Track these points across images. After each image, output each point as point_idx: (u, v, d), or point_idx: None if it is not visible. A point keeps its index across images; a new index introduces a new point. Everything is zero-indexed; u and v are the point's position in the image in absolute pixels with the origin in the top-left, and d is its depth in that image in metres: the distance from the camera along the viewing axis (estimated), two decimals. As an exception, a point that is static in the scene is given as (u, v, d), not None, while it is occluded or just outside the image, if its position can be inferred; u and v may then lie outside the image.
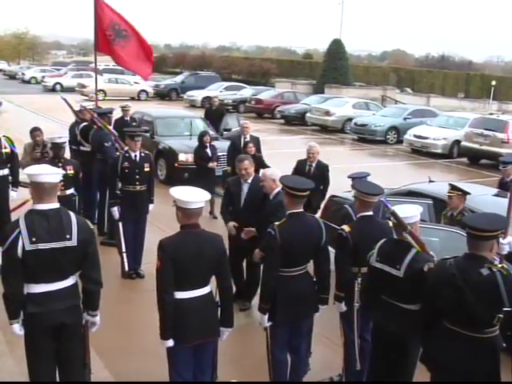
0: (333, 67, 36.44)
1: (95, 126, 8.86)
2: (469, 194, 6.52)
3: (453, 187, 6.56)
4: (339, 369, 5.14)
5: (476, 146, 18.17)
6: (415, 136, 19.98)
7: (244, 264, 6.70)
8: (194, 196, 4.05)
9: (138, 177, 7.35)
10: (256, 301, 5.39)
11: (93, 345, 4.35)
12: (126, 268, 7.27)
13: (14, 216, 7.27)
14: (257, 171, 6.97)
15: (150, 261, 6.65)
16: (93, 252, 3.97)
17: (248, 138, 10.18)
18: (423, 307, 4.01)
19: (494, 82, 37.18)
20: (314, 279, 4.74)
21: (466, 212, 6.31)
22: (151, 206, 7.61)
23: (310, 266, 4.75)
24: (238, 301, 6.38)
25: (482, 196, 7.29)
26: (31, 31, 75.48)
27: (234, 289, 5.70)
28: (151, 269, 5.23)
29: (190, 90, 32.94)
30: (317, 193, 7.81)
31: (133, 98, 32.54)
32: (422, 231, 4.45)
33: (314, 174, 8.14)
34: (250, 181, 6.51)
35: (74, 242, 3.80)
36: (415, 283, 4.00)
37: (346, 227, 4.76)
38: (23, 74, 48.39)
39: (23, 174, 4.65)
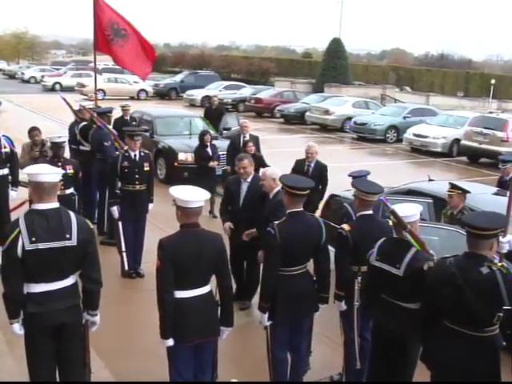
0: (332, 66, 36.45)
1: (95, 126, 8.85)
2: (469, 192, 6.52)
3: (453, 186, 6.56)
4: (339, 368, 5.14)
5: (475, 144, 18.18)
6: (415, 135, 19.98)
7: (244, 263, 6.70)
8: (194, 195, 4.05)
9: (137, 176, 7.34)
10: (256, 300, 5.38)
11: (93, 344, 4.35)
12: (126, 267, 7.26)
13: (13, 216, 7.27)
14: (257, 170, 6.97)
15: (149, 260, 6.65)
16: (93, 251, 3.96)
17: (247, 137, 10.18)
18: (423, 306, 4.01)
19: (493, 81, 37.20)
20: (314, 278, 4.74)
21: (465, 211, 6.31)
22: (151, 206, 7.60)
23: (310, 265, 4.75)
24: (238, 300, 6.38)
25: (482, 195, 7.29)
26: (31, 31, 75.46)
27: (234, 288, 5.70)
28: (151, 268, 5.23)
29: (190, 89, 32.92)
30: (315, 193, 7.80)
31: (132, 98, 32.51)
32: (421, 230, 4.45)
33: (312, 173, 8.07)
34: (249, 180, 6.52)
35: (73, 242, 3.80)
36: (415, 282, 4.00)
37: (345, 226, 4.76)
38: (23, 73, 48.35)
39: (23, 174, 4.65)
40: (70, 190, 7.33)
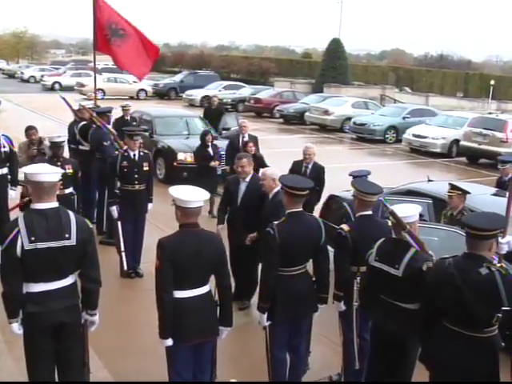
0: (332, 66, 36.45)
1: (94, 125, 8.85)
2: (469, 193, 6.52)
3: (453, 187, 6.56)
4: (338, 368, 5.14)
5: (475, 145, 18.18)
6: (414, 135, 19.98)
7: (243, 263, 6.70)
8: (193, 195, 4.05)
9: (136, 176, 7.34)
10: (255, 300, 5.39)
11: (92, 344, 4.35)
12: (125, 267, 7.26)
13: (12, 215, 7.27)
14: (257, 171, 6.98)
15: (148, 260, 6.65)
16: (92, 251, 3.96)
17: (246, 137, 10.19)
18: (422, 306, 4.01)
19: (492, 82, 37.20)
20: (313, 278, 4.74)
21: (465, 211, 6.31)
22: (150, 205, 7.60)
23: (310, 266, 4.75)
24: (237, 300, 6.38)
25: (481, 195, 7.29)
26: (30, 30, 75.41)
27: (233, 288, 5.70)
28: (150, 268, 5.24)
29: (189, 89, 32.91)
30: (312, 194, 7.78)
31: (132, 97, 32.50)
32: (421, 231, 4.46)
33: (309, 175, 7.98)
34: (247, 179, 6.53)
35: (73, 242, 3.80)
36: (414, 282, 4.00)
37: (345, 226, 4.76)
38: (22, 72, 48.32)
39: (22, 173, 4.65)
40: (70, 190, 7.33)
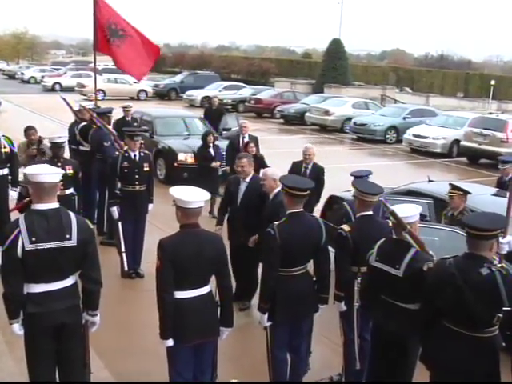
0: (332, 67, 36.46)
1: (94, 126, 8.85)
2: (470, 193, 6.52)
3: (454, 187, 6.56)
4: (339, 368, 5.14)
5: (475, 145, 18.18)
6: (414, 135, 19.99)
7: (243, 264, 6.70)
8: (194, 196, 4.05)
9: (137, 176, 7.35)
10: (256, 300, 5.39)
11: (93, 345, 4.35)
12: (126, 268, 7.26)
13: (13, 216, 7.27)
14: (257, 171, 6.98)
15: (149, 260, 6.65)
16: (92, 252, 3.97)
17: (247, 138, 10.19)
18: (423, 307, 4.01)
19: (493, 82, 37.17)
20: (314, 279, 4.74)
21: (466, 212, 6.30)
22: (151, 206, 7.61)
23: (310, 266, 4.75)
24: (238, 300, 6.38)
25: (482, 195, 7.29)
26: (30, 31, 75.47)
27: (234, 288, 5.70)
28: (151, 268, 5.24)
29: (190, 89, 32.92)
30: (312, 194, 7.75)
31: (132, 98, 32.51)
32: (421, 231, 4.46)
33: (309, 176, 7.91)
34: (248, 180, 6.54)
35: (73, 242, 3.80)
36: (415, 283, 4.00)
37: (345, 227, 4.76)
38: (22, 73, 48.33)
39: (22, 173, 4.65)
40: (70, 191, 7.33)
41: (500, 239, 3.73)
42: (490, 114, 21.93)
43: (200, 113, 16.78)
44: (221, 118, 15.11)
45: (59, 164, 6.91)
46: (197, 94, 31.54)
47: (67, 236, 3.78)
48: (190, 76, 37.81)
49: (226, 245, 4.52)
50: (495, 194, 7.64)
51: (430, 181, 8.14)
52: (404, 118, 22.41)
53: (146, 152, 7.74)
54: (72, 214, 3.91)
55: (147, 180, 7.51)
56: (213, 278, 4.21)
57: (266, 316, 4.56)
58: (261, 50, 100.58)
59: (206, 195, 4.14)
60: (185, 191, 4.08)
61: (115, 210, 7.36)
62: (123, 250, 7.22)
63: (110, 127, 8.91)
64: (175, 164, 12.33)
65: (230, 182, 6.83)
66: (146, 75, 11.74)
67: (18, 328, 3.84)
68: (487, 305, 3.57)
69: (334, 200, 8.03)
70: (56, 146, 7.26)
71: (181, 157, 12.33)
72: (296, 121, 26.05)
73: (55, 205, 3.85)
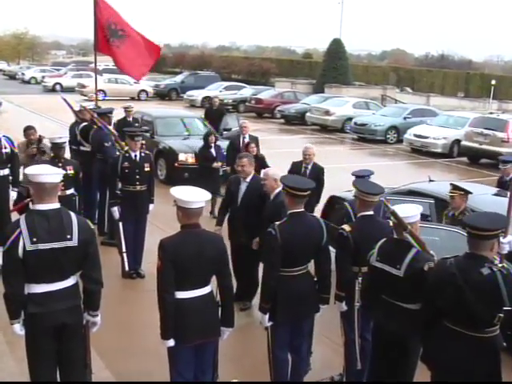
0: (332, 67, 36.45)
1: (95, 126, 8.86)
2: (471, 193, 6.51)
3: (455, 187, 6.55)
4: (340, 368, 5.14)
5: (476, 145, 18.18)
6: (415, 135, 19.98)
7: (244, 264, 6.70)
8: (195, 196, 4.05)
9: (138, 177, 7.35)
10: (256, 300, 5.39)
11: (93, 345, 4.36)
12: (127, 268, 7.27)
13: (14, 216, 7.28)
14: (258, 171, 6.98)
15: (150, 261, 6.65)
16: (93, 252, 3.97)
17: (247, 138, 10.20)
18: (423, 307, 4.01)
19: (493, 82, 37.18)
20: (315, 279, 4.74)
21: (467, 212, 6.30)
22: (151, 206, 7.61)
23: (311, 266, 4.75)
24: (239, 301, 6.38)
25: (483, 195, 7.29)
26: (31, 31, 75.55)
27: (235, 288, 5.71)
28: (151, 269, 5.24)
29: (190, 89, 32.93)
30: (312, 195, 7.73)
31: (133, 98, 32.51)
32: (422, 231, 4.46)
33: (309, 175, 7.88)
34: (248, 180, 6.55)
35: (74, 242, 3.80)
36: (415, 283, 4.00)
37: (346, 227, 4.76)
38: (23, 74, 48.35)
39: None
40: (71, 191, 7.33)
41: (501, 239, 3.73)
42: (491, 113, 21.91)
43: (201, 113, 16.77)
44: (221, 118, 15.10)
45: (60, 164, 6.91)
46: (197, 95, 31.56)
47: (68, 236, 3.79)
48: (191, 76, 37.81)
49: (227, 245, 4.53)
50: (496, 194, 7.63)
51: (430, 181, 8.13)
52: (405, 118, 22.41)
53: (147, 152, 7.74)
54: (73, 215, 3.91)
55: (148, 180, 7.51)
56: (213, 278, 4.21)
57: (267, 316, 4.56)
58: (261, 50, 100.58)
59: (207, 195, 4.14)
60: (185, 191, 4.08)
61: (116, 211, 7.36)
62: (124, 250, 7.22)
63: (111, 127, 8.91)
64: (176, 164, 12.34)
65: (230, 182, 6.85)
66: (146, 75, 11.71)
67: (19, 328, 3.84)
68: (488, 305, 3.57)
69: (334, 200, 8.03)
70: (57, 147, 7.26)
71: (181, 157, 12.33)
72: (296, 121, 26.05)
73: (56, 205, 3.85)
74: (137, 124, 11.90)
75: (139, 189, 7.39)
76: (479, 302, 3.55)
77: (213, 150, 10.12)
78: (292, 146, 17.06)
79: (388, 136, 22.11)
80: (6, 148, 7.53)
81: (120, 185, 7.46)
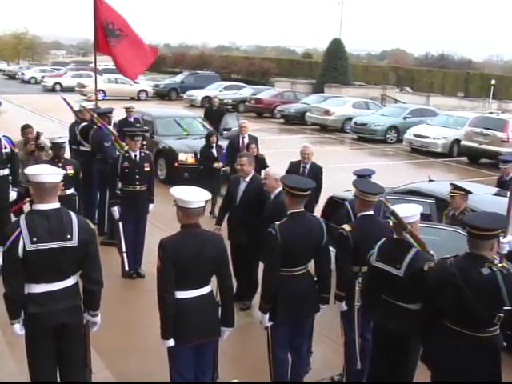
0: (332, 67, 36.48)
1: (95, 126, 8.86)
2: (471, 193, 6.51)
3: (455, 187, 6.55)
4: (340, 368, 5.14)
5: (476, 145, 18.18)
6: (415, 135, 19.98)
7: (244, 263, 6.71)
8: (195, 196, 4.05)
9: (138, 177, 7.35)
10: (257, 300, 5.39)
11: (93, 345, 4.36)
12: (127, 268, 7.26)
13: (13, 216, 7.28)
14: (258, 172, 6.98)
15: (150, 260, 6.65)
16: (93, 252, 3.97)
17: (246, 138, 10.20)
18: (423, 306, 4.01)
19: (493, 81, 37.20)
20: (315, 279, 4.74)
21: (467, 211, 6.30)
22: (151, 206, 7.61)
23: (311, 266, 4.75)
24: (239, 300, 6.38)
25: (482, 195, 7.29)
26: (31, 31, 75.51)
27: (235, 288, 5.70)
28: (151, 268, 5.24)
29: (190, 89, 32.92)
30: (311, 194, 7.71)
31: (132, 98, 32.51)
32: (422, 230, 4.46)
33: (308, 175, 7.85)
34: (247, 179, 6.55)
35: (74, 242, 3.80)
36: (415, 282, 4.00)
37: (346, 226, 4.76)
38: (23, 73, 48.34)
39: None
40: (71, 191, 7.34)
41: (501, 239, 3.72)
42: (491, 113, 21.91)
43: (200, 113, 16.77)
44: (221, 118, 15.11)
45: (60, 164, 6.91)
46: (197, 94, 31.55)
47: (68, 236, 3.79)
48: (191, 76, 37.79)
49: (227, 245, 4.53)
50: (496, 194, 7.64)
51: (430, 180, 8.13)
52: (404, 118, 22.41)
53: (147, 152, 7.75)
54: (73, 214, 3.91)
55: (148, 180, 7.51)
56: (213, 278, 4.21)
57: (267, 316, 4.56)
58: (261, 49, 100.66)
59: (207, 195, 4.14)
60: (185, 191, 4.08)
61: (116, 210, 7.36)
62: (124, 250, 7.22)
63: (111, 127, 8.91)
64: (176, 164, 12.33)
65: (230, 182, 6.86)
66: (142, 74, 11.67)
67: (19, 328, 3.84)
68: (488, 304, 3.57)
69: (334, 200, 8.02)
70: (56, 147, 7.27)
71: (181, 157, 12.33)
72: (296, 121, 26.04)
73: (56, 205, 3.85)
74: (138, 125, 11.87)
75: (139, 189, 7.39)
76: (479, 302, 3.55)
77: (214, 150, 10.12)
78: (292, 145, 17.02)
79: (388, 136, 22.10)
80: (5, 148, 7.53)
81: (120, 185, 7.46)
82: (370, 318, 4.62)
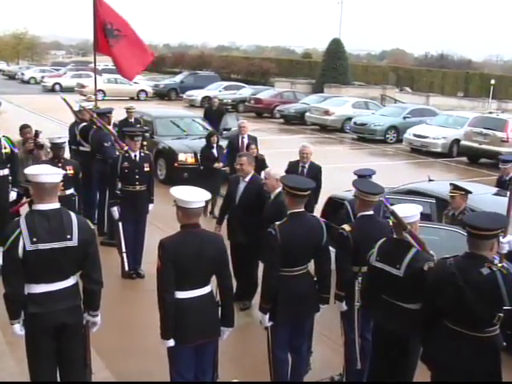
0: (332, 67, 36.47)
1: (95, 126, 8.86)
2: (471, 193, 6.52)
3: (455, 187, 6.55)
4: (340, 368, 5.14)
5: (475, 144, 18.18)
6: (415, 135, 19.98)
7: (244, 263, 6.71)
8: (195, 196, 4.05)
9: (137, 177, 7.35)
10: (256, 300, 5.39)
11: (93, 345, 4.36)
12: (126, 268, 7.26)
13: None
14: (258, 172, 6.98)
15: (150, 261, 6.65)
16: (93, 252, 3.97)
17: (246, 138, 10.19)
18: (423, 306, 4.01)
19: (493, 81, 37.22)
20: (315, 279, 4.74)
21: (467, 211, 6.30)
22: (151, 206, 7.61)
23: (311, 266, 4.75)
24: (239, 300, 6.38)
25: (482, 195, 7.29)
26: (30, 31, 75.54)
27: (235, 288, 5.70)
28: (151, 269, 5.24)
29: (190, 89, 32.91)
30: (310, 194, 7.69)
31: (132, 98, 32.52)
32: (422, 230, 4.45)
33: (307, 175, 7.77)
34: (247, 179, 6.55)
35: (74, 242, 3.80)
36: (415, 282, 4.00)
37: (346, 226, 4.76)
38: (22, 74, 48.34)
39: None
40: (71, 191, 7.34)
41: (500, 239, 3.73)
42: (490, 113, 21.91)
43: (200, 113, 16.77)
44: (221, 118, 15.10)
45: (60, 164, 6.91)
46: (197, 94, 31.55)
47: (68, 236, 3.79)
48: (190, 76, 37.78)
49: (227, 245, 4.53)
50: (496, 194, 7.64)
51: (430, 180, 8.13)
52: (404, 118, 22.41)
53: (147, 152, 7.75)
54: (73, 215, 3.91)
55: (148, 180, 7.51)
56: (213, 278, 4.21)
57: (267, 316, 4.56)
58: (261, 50, 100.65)
59: (207, 195, 4.14)
60: (185, 191, 4.08)
61: (116, 210, 7.36)
62: (124, 250, 7.22)
63: (111, 127, 8.91)
64: (175, 164, 12.33)
65: (230, 182, 6.86)
66: (139, 74, 11.64)
67: (18, 328, 3.84)
68: (488, 304, 3.57)
69: (334, 200, 8.02)
70: (56, 147, 7.26)
71: (181, 157, 12.33)
72: (296, 121, 26.04)
73: (56, 205, 3.85)
74: (138, 125, 11.86)
75: (139, 189, 7.39)
76: (479, 302, 3.55)
77: (215, 150, 10.12)
78: (291, 145, 17.01)
79: (387, 136, 22.10)
80: (5, 148, 7.53)
81: (120, 185, 7.46)
82: (369, 317, 4.62)
